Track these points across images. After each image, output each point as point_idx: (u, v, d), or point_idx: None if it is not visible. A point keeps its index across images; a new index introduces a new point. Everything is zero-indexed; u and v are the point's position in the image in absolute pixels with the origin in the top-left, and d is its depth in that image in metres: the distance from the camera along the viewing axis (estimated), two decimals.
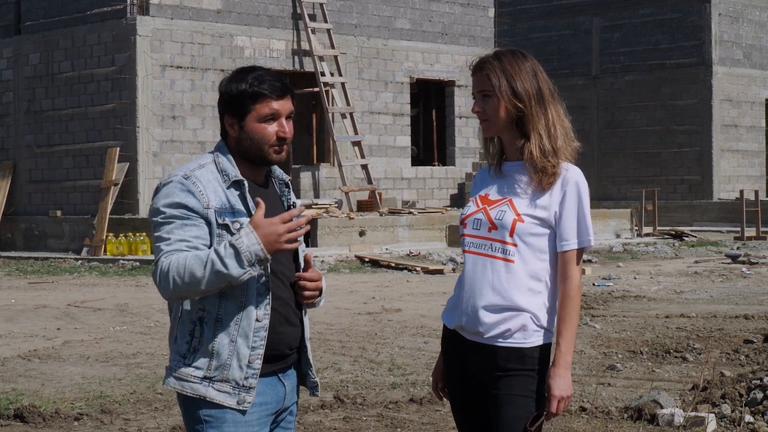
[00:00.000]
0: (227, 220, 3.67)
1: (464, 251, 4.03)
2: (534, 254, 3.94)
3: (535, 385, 3.93)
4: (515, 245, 3.92)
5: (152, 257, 7.66)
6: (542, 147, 3.92)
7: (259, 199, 3.64)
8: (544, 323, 3.95)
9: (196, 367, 3.69)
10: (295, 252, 3.86)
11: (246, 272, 3.57)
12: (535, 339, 3.94)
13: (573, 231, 3.94)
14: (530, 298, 3.92)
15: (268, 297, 3.70)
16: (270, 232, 3.57)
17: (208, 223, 3.67)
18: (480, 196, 4.04)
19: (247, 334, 3.68)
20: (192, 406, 3.73)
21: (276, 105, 3.73)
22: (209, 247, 3.65)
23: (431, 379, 4.29)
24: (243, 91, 3.71)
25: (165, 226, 3.66)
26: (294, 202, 3.91)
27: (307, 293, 3.79)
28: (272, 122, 3.74)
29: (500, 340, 3.93)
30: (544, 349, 3.96)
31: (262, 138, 3.73)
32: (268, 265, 3.67)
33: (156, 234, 3.68)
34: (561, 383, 3.89)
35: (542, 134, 3.93)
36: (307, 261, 3.82)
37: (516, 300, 3.91)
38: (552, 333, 3.98)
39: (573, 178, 3.94)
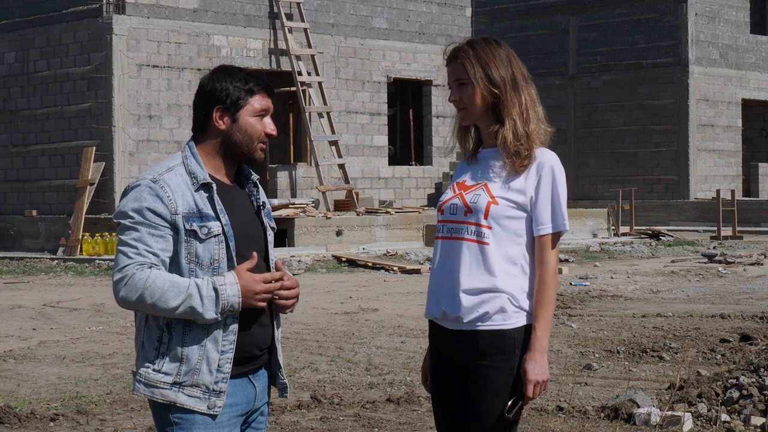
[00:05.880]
0: (195, 226, 3.64)
1: (437, 237, 4.05)
2: (509, 237, 3.94)
3: (515, 372, 3.93)
4: (490, 228, 3.93)
5: None
6: (515, 131, 3.93)
7: (255, 253, 3.66)
8: (524, 305, 3.95)
9: (165, 373, 3.66)
10: (266, 253, 3.84)
11: (216, 318, 3.59)
12: (515, 320, 3.93)
13: (548, 215, 3.95)
14: (506, 281, 3.92)
15: None
16: (249, 288, 3.61)
17: (176, 230, 3.64)
18: (457, 182, 4.07)
19: (216, 338, 3.65)
20: (162, 409, 3.70)
21: (267, 102, 3.79)
22: (172, 259, 3.63)
23: (421, 374, 4.28)
24: (238, 86, 3.75)
25: (133, 232, 3.61)
26: (264, 202, 3.89)
27: (287, 302, 3.74)
28: (263, 118, 3.78)
29: (479, 323, 3.93)
30: (526, 331, 3.95)
31: (254, 132, 3.76)
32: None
33: (122, 237, 3.63)
34: (537, 367, 3.89)
35: (516, 119, 3.95)
36: (278, 268, 3.77)
37: (492, 281, 3.91)
38: (532, 315, 3.97)
39: (548, 162, 3.96)
